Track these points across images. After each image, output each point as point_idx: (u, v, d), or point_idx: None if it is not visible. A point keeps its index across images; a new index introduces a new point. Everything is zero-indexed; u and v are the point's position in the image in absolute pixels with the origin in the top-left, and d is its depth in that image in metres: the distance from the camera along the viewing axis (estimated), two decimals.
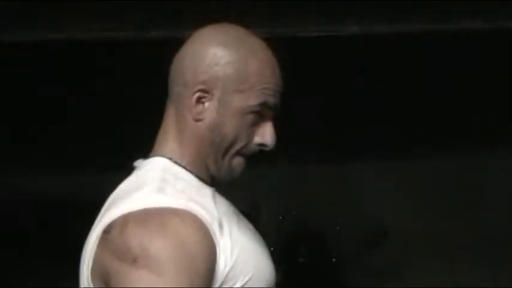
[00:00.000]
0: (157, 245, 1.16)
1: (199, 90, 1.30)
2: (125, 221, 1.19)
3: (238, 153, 1.34)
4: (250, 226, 1.42)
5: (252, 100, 1.31)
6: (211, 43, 1.32)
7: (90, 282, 1.24)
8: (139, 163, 1.37)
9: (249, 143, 1.34)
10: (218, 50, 1.30)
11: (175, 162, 1.33)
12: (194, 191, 1.29)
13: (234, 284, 1.25)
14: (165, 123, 1.37)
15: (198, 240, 1.20)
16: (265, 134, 1.35)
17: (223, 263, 1.23)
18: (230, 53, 1.30)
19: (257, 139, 1.35)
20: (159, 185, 1.26)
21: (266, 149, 1.37)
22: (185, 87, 1.31)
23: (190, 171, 1.33)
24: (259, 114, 1.33)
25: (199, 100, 1.30)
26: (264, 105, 1.32)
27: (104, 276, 1.20)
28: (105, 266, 1.20)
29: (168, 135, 1.36)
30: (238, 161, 1.35)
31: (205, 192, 1.32)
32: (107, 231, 1.21)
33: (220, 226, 1.25)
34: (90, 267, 1.24)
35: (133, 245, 1.15)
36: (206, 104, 1.31)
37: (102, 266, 1.21)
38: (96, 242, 1.23)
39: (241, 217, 1.41)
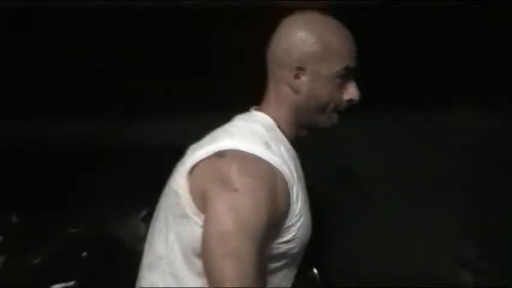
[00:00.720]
0: (253, 185, 1.54)
1: (295, 68, 1.67)
2: (232, 156, 1.58)
3: (332, 110, 1.73)
4: (305, 191, 1.76)
5: (337, 67, 1.68)
6: (297, 29, 1.69)
7: (189, 200, 1.61)
8: (241, 116, 1.77)
9: (340, 100, 1.72)
10: (303, 33, 1.68)
11: (278, 126, 1.71)
12: (287, 155, 1.67)
13: (285, 237, 1.64)
14: (266, 97, 1.75)
15: (283, 192, 1.60)
16: (352, 92, 1.73)
17: (289, 220, 1.63)
18: (313, 34, 1.68)
19: (346, 96, 1.72)
20: (266, 140, 1.65)
21: (353, 103, 1.74)
22: (283, 68, 1.69)
23: (286, 136, 1.72)
24: (344, 77, 1.70)
25: (296, 76, 1.68)
26: (346, 68, 1.69)
27: (203, 192, 1.58)
28: (205, 186, 1.58)
29: (270, 104, 1.74)
30: (334, 116, 1.74)
31: (293, 156, 1.71)
32: (216, 157, 1.59)
33: (295, 191, 1.64)
34: (188, 191, 1.61)
35: (235, 179, 1.54)
36: (302, 78, 1.68)
37: (202, 184, 1.59)
38: (198, 160, 1.61)
39: (303, 180, 1.76)
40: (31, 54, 4.30)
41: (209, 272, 1.58)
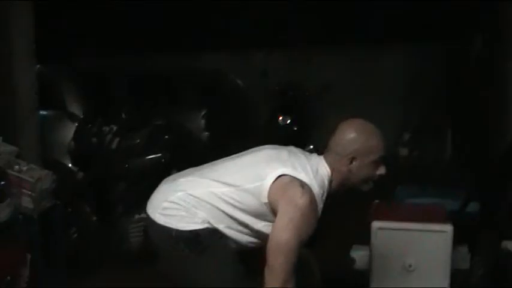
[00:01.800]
0: (309, 210, 2.46)
1: (351, 157, 2.59)
2: (300, 183, 2.49)
3: (370, 180, 2.68)
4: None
5: (375, 157, 2.61)
6: (352, 131, 2.62)
7: (266, 196, 2.52)
8: (311, 156, 2.70)
9: (374, 175, 2.65)
10: (356, 135, 2.60)
11: (329, 178, 2.62)
12: (325, 195, 2.59)
13: None
14: (328, 161, 2.62)
15: (316, 219, 2.54)
16: (382, 169, 2.66)
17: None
18: (361, 135, 2.60)
19: (378, 172, 2.65)
20: (322, 188, 2.57)
21: (382, 176, 2.67)
22: (341, 155, 2.60)
23: (331, 186, 2.63)
24: (378, 162, 2.64)
25: (350, 162, 2.60)
26: (380, 157, 2.63)
27: (275, 196, 2.50)
28: (277, 194, 2.49)
29: (330, 167, 2.61)
30: (370, 183, 2.69)
31: (324, 193, 2.60)
32: (302, 185, 2.50)
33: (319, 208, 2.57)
34: (267, 190, 2.51)
35: (301, 200, 2.45)
36: (354, 163, 2.60)
37: (276, 192, 2.50)
38: (278, 176, 2.52)
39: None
40: None
41: (269, 257, 2.44)
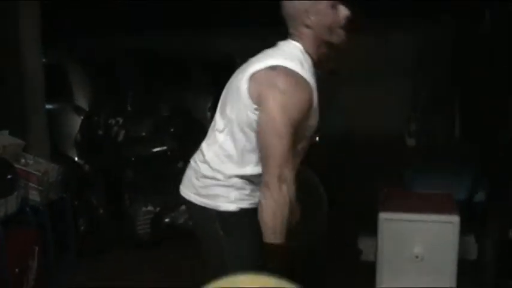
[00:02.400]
0: (294, 91, 2.24)
1: (304, 13, 2.35)
2: (281, 70, 2.27)
3: (338, 28, 2.40)
4: (316, 92, 2.40)
5: (326, 4, 2.36)
6: None
7: (248, 97, 2.28)
8: (282, 43, 2.43)
9: (339, 20, 2.39)
10: None
11: (306, 52, 2.39)
12: (311, 71, 2.36)
13: (309, 120, 2.34)
14: (292, 35, 2.41)
15: (309, 98, 2.30)
16: (343, 11, 2.39)
17: (311, 112, 2.33)
18: None
19: (341, 16, 2.39)
20: (298, 60, 2.33)
21: (349, 17, 2.40)
22: (295, 18, 2.38)
23: (311, 57, 2.40)
24: (333, 6, 2.38)
25: (306, 18, 2.36)
26: (333, 2, 2.37)
27: (259, 91, 2.27)
28: (261, 87, 2.27)
29: (297, 39, 2.40)
30: (341, 32, 2.41)
31: (313, 72, 2.38)
32: (273, 68, 2.28)
33: (314, 95, 2.33)
34: (247, 91, 2.29)
35: (283, 85, 2.23)
36: (311, 18, 2.35)
37: (259, 85, 2.27)
38: (256, 71, 2.30)
39: (316, 85, 2.39)
40: None
41: (261, 147, 2.26)
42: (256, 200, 2.34)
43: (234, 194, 2.40)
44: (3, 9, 4.61)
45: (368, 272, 3.94)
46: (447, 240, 3.80)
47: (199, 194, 2.45)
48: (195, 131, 4.82)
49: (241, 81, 2.33)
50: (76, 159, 4.98)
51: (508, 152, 4.46)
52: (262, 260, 2.25)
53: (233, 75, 2.46)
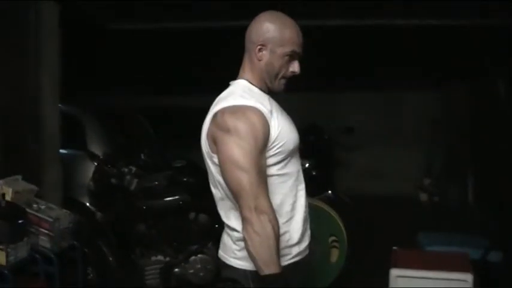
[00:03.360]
0: (240, 124, 2.25)
1: (259, 45, 2.41)
2: (224, 111, 2.31)
3: (282, 77, 2.45)
4: (285, 114, 2.50)
5: (287, 49, 2.41)
6: (264, 20, 2.42)
7: (207, 143, 2.35)
8: (232, 82, 2.49)
9: (286, 71, 2.44)
10: (269, 24, 2.40)
11: (250, 83, 2.44)
12: (259, 97, 2.38)
13: (278, 143, 2.34)
14: (243, 63, 2.47)
15: (261, 122, 2.29)
16: (295, 66, 2.45)
17: (273, 133, 2.33)
18: (275, 25, 2.40)
19: (290, 69, 2.45)
20: (241, 94, 2.36)
21: (295, 74, 2.46)
22: (253, 44, 2.42)
23: (258, 87, 2.44)
24: (291, 56, 2.43)
25: (260, 50, 2.41)
26: (292, 51, 2.42)
27: (213, 139, 2.31)
28: (214, 134, 2.30)
29: (245, 69, 2.46)
30: (282, 82, 2.46)
31: (265, 97, 2.42)
32: (216, 115, 2.32)
33: (271, 114, 2.35)
34: (206, 135, 2.34)
35: (228, 123, 2.26)
36: (263, 52, 2.41)
37: (212, 134, 2.31)
38: (209, 122, 2.34)
39: (282, 110, 2.49)
40: None
41: (229, 186, 2.25)
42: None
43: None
44: (25, 55, 4.70)
45: None
46: None
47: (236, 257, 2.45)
48: (207, 183, 4.85)
49: (202, 141, 2.40)
50: (88, 206, 5.00)
51: None
52: None
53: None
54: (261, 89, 2.45)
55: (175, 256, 4.50)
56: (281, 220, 2.34)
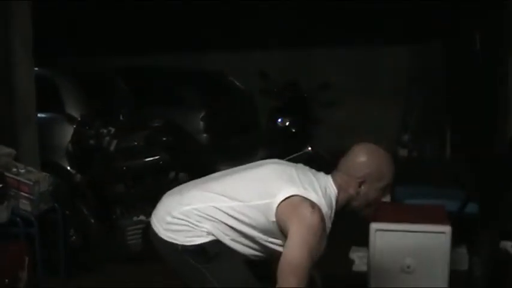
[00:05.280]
0: (316, 225, 2.42)
1: (361, 181, 2.58)
2: (304, 200, 2.46)
3: (370, 207, 2.66)
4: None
5: (384, 183, 2.60)
6: (364, 155, 2.60)
7: (273, 219, 2.48)
8: (321, 175, 2.65)
9: (378, 201, 2.65)
10: (367, 159, 2.58)
11: (336, 198, 2.59)
12: (331, 208, 2.56)
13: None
14: (335, 178, 2.61)
15: (325, 230, 2.51)
16: (387, 197, 2.66)
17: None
18: (374, 161, 2.58)
19: (383, 199, 2.64)
20: (323, 197, 2.52)
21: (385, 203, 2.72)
22: (352, 177, 2.58)
23: (338, 202, 2.60)
24: (385, 189, 2.62)
25: (359, 185, 2.58)
26: (388, 184, 2.62)
27: (282, 221, 2.47)
28: (286, 219, 2.45)
29: (338, 186, 2.59)
30: (372, 209, 2.69)
31: (332, 212, 2.58)
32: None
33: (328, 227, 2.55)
34: (275, 214, 2.47)
35: (307, 221, 2.42)
36: (362, 187, 2.58)
37: (281, 216, 2.46)
38: (281, 201, 2.46)
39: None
40: None
41: (280, 279, 2.41)
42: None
43: (206, 227, 2.54)
44: None
45: (360, 282, 3.94)
46: (438, 251, 3.81)
47: (168, 230, 2.61)
48: (187, 142, 4.84)
49: (276, 194, 2.48)
50: (68, 168, 4.98)
51: (499, 165, 4.48)
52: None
53: (270, 165, 2.69)
54: (336, 208, 2.60)
55: None
56: None
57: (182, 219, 2.53)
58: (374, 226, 3.85)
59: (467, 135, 7.03)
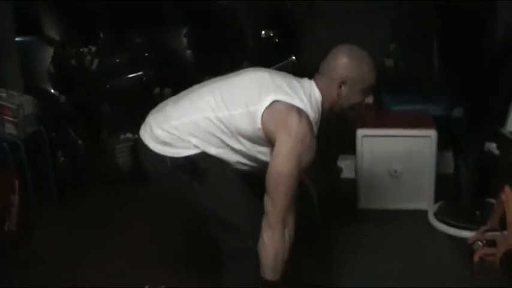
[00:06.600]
0: (304, 133, 2.39)
1: (340, 82, 2.54)
2: (290, 107, 2.42)
3: (356, 109, 2.63)
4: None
5: (365, 84, 2.57)
6: (343, 57, 2.56)
7: (259, 126, 2.44)
8: (304, 80, 2.60)
9: (361, 103, 2.62)
10: (347, 60, 2.54)
11: (321, 102, 2.55)
12: (317, 113, 2.53)
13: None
14: (317, 82, 2.57)
15: (314, 137, 2.45)
16: (370, 99, 2.65)
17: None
18: (353, 61, 2.54)
19: (366, 101, 2.63)
20: (309, 103, 2.48)
21: (369, 105, 2.71)
22: (332, 79, 2.54)
23: (322, 107, 2.56)
24: (367, 90, 2.59)
25: (339, 86, 2.54)
26: (370, 85, 2.58)
27: (270, 126, 2.43)
28: (272, 127, 2.42)
29: (321, 90, 2.55)
30: (356, 112, 2.65)
31: (318, 117, 2.54)
32: (276, 101, 2.42)
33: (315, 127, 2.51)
34: (261, 121, 2.43)
35: (295, 129, 2.38)
36: (343, 88, 2.54)
37: (268, 124, 2.42)
38: (266, 107, 2.42)
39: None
40: None
41: (270, 191, 2.40)
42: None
43: (195, 140, 2.53)
44: None
45: (349, 189, 4.00)
46: (424, 155, 3.85)
47: (158, 142, 2.59)
48: (171, 58, 4.77)
49: (260, 101, 2.44)
50: (51, 90, 4.92)
51: (486, 68, 4.46)
52: None
53: (253, 72, 2.65)
54: (322, 111, 2.57)
55: None
56: None
57: (171, 133, 2.52)
58: (360, 132, 3.87)
59: (454, 43, 6.96)
